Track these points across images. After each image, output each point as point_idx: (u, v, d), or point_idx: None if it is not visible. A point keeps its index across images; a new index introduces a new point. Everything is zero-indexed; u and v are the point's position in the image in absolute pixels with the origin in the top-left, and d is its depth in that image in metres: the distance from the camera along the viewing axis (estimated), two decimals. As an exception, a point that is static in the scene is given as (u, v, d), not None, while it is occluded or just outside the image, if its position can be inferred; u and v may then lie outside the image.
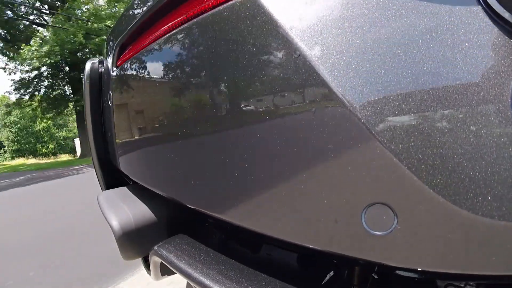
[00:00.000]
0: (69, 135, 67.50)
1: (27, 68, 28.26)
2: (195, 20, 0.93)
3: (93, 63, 1.76)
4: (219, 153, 0.88)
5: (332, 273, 0.99)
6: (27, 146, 60.54)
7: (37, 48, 24.59)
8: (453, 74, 0.53)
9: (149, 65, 1.20)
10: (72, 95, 31.52)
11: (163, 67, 1.11)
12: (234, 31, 0.81)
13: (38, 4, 30.89)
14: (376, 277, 0.96)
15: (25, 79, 30.60)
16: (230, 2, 0.82)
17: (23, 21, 29.63)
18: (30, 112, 40.27)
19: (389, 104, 0.57)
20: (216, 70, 0.86)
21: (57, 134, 65.88)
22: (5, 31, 28.90)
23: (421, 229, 0.57)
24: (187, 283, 1.94)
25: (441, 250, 0.56)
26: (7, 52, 29.39)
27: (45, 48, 24.25)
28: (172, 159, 1.10)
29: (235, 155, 0.83)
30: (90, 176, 15.16)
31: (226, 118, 0.85)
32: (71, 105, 33.24)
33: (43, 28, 30.00)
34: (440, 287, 0.89)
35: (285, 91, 0.70)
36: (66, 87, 32.63)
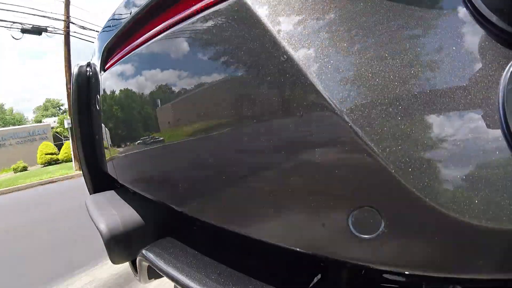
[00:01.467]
0: None
1: None
2: (183, 24, 0.93)
3: (80, 67, 1.76)
4: (206, 157, 0.88)
5: (319, 276, 0.99)
6: None
7: None
8: (441, 78, 0.54)
9: (137, 69, 1.20)
10: None
11: (150, 71, 1.11)
12: (222, 35, 0.81)
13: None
14: (363, 280, 0.96)
15: None
16: (218, 6, 0.82)
17: None
18: None
19: (376, 108, 0.57)
20: (204, 74, 0.86)
21: None
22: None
23: (408, 232, 0.57)
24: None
25: (428, 254, 0.56)
26: None
27: None
28: (160, 162, 1.10)
29: (222, 159, 0.83)
30: None
31: (213, 122, 0.85)
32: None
33: None
34: (427, 291, 0.89)
35: (273, 94, 0.70)
36: None
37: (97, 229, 1.22)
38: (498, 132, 0.50)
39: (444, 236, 0.54)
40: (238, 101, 0.78)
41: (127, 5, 1.26)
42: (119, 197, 1.58)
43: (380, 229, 0.58)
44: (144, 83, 1.14)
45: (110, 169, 1.60)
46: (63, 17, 18.90)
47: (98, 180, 1.88)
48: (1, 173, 29.52)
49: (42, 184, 17.37)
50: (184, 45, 0.93)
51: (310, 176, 0.67)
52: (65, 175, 18.74)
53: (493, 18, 0.50)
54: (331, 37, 0.64)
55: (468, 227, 0.52)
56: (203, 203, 0.94)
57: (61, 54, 19.79)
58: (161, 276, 1.18)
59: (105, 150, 1.61)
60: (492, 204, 0.50)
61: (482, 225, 0.51)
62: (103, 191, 1.76)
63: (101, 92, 1.55)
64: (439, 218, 0.54)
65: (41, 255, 5.53)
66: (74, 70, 1.74)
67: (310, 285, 0.97)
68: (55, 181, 17.85)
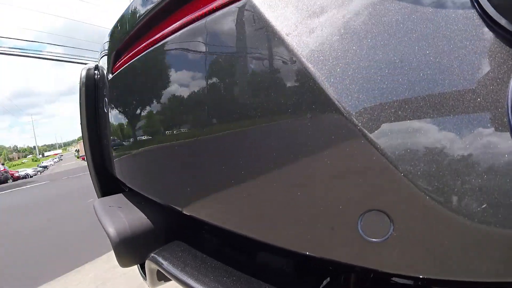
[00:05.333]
0: None
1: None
2: (192, 26, 0.93)
3: (88, 70, 1.76)
4: (215, 160, 0.88)
5: (328, 280, 0.99)
6: None
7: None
8: (450, 81, 0.53)
9: (145, 72, 1.20)
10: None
11: (158, 73, 1.11)
12: (230, 37, 0.81)
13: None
14: (372, 284, 0.96)
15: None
16: (227, 8, 0.82)
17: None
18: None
19: (385, 111, 0.57)
20: (212, 76, 0.86)
21: None
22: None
23: (417, 236, 0.57)
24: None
25: (437, 257, 0.56)
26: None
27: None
28: (168, 166, 1.10)
29: (231, 162, 0.83)
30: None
31: (222, 124, 0.85)
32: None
33: None
34: (436, 294, 0.88)
35: (281, 97, 0.70)
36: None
37: (106, 232, 1.22)
38: (507, 135, 0.50)
39: (453, 239, 0.54)
40: (247, 103, 0.78)
41: (135, 7, 1.26)
42: (127, 200, 1.58)
43: (390, 233, 0.58)
44: (152, 85, 1.15)
45: (118, 172, 1.60)
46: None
47: (106, 183, 1.88)
48: None
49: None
50: (192, 48, 0.93)
51: (318, 179, 0.67)
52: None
53: (502, 21, 0.50)
54: (340, 40, 0.64)
55: (477, 231, 0.52)
56: (212, 206, 0.94)
57: None
58: (169, 280, 1.19)
59: (113, 153, 1.61)
60: (502, 208, 0.50)
61: (492, 229, 0.51)
62: (111, 195, 1.77)
63: (109, 95, 1.55)
64: (448, 221, 0.53)
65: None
66: (82, 73, 1.75)
67: None
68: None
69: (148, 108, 1.21)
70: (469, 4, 0.54)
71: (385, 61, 0.58)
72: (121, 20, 1.42)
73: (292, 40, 0.68)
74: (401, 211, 0.57)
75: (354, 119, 0.59)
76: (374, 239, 0.60)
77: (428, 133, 0.54)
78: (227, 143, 0.84)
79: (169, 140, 1.07)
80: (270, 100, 0.73)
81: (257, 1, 0.75)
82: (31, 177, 53.89)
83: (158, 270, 1.14)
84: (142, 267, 1.42)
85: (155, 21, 1.14)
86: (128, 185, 1.54)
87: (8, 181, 48.76)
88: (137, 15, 1.22)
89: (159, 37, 1.10)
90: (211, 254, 1.13)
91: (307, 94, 0.66)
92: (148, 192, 1.31)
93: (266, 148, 0.74)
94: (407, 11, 0.58)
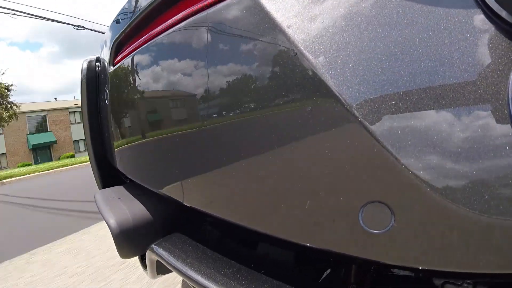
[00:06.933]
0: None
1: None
2: (193, 18, 0.93)
3: (89, 62, 1.76)
4: (216, 152, 0.88)
5: (329, 271, 0.99)
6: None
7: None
8: (450, 73, 0.53)
9: (146, 64, 1.20)
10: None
11: (159, 65, 1.11)
12: (232, 30, 0.81)
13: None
14: (373, 275, 0.96)
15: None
16: (228, 0, 0.82)
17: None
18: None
19: (386, 103, 0.57)
20: (213, 68, 0.86)
21: None
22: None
23: (418, 227, 0.57)
24: (183, 281, 1.93)
25: (438, 249, 0.56)
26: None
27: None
28: (169, 157, 1.10)
29: (231, 154, 0.83)
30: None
31: (222, 117, 0.85)
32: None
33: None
34: (437, 286, 0.89)
35: (282, 90, 0.70)
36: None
37: (107, 224, 1.22)
38: (507, 127, 0.50)
39: (454, 231, 0.54)
40: (248, 94, 0.78)
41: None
42: (128, 192, 1.58)
43: (391, 224, 0.58)
44: (154, 77, 1.15)
45: (119, 163, 1.60)
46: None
47: (107, 175, 1.88)
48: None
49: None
50: (193, 40, 0.93)
51: (319, 171, 0.67)
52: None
53: (503, 13, 0.50)
54: (341, 32, 0.64)
55: (478, 222, 0.52)
56: (213, 197, 0.94)
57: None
58: (170, 271, 1.19)
59: (114, 145, 1.61)
60: (502, 199, 0.50)
61: (492, 220, 0.51)
62: (112, 186, 1.77)
63: (110, 87, 1.55)
64: (449, 213, 0.54)
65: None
66: (83, 65, 1.75)
67: (320, 280, 0.97)
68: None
69: (148, 100, 1.21)
70: None
71: (386, 53, 0.58)
72: (123, 11, 1.42)
73: (293, 32, 0.68)
74: (402, 202, 0.57)
75: (355, 111, 0.59)
76: (375, 231, 0.61)
77: (429, 125, 0.54)
78: (228, 134, 0.84)
79: (170, 132, 1.07)
80: (271, 92, 0.73)
81: (258, -7, 0.75)
82: None
83: (158, 261, 1.14)
84: (143, 259, 1.42)
85: (156, 13, 1.14)
86: (129, 177, 1.54)
87: None
88: (139, 7, 1.22)
89: (159, 30, 1.10)
90: (211, 246, 1.13)
91: (308, 86, 0.66)
92: (149, 184, 1.31)
93: (267, 139, 0.74)
94: (408, 3, 0.58)
